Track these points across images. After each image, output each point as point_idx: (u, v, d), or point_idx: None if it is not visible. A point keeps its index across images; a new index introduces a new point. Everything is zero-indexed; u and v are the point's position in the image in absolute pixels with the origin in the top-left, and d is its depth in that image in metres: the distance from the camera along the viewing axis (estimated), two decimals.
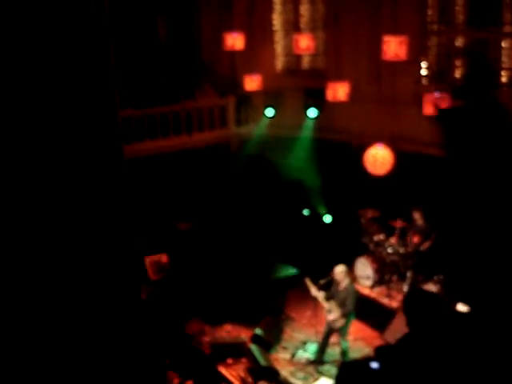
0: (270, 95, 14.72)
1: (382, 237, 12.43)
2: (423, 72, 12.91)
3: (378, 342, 10.77)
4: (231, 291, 12.29)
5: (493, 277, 10.53)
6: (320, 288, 10.28)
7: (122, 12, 14.92)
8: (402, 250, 11.98)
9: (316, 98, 13.82)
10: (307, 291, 10.43)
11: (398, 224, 12.20)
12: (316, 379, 9.96)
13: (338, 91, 11.54)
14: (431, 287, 11.44)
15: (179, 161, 14.34)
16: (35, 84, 2.88)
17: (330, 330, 10.24)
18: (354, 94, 12.18)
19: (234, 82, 15.50)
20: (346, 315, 10.01)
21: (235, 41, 12.26)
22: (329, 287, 10.30)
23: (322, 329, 10.52)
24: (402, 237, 12.19)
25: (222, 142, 15.45)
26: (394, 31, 11.44)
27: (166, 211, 14.29)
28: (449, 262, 11.42)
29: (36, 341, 3.04)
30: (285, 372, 10.11)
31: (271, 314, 11.38)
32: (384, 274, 12.27)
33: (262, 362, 9.80)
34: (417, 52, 12.37)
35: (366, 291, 12.24)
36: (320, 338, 10.38)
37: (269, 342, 10.70)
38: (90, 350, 3.20)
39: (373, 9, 13.11)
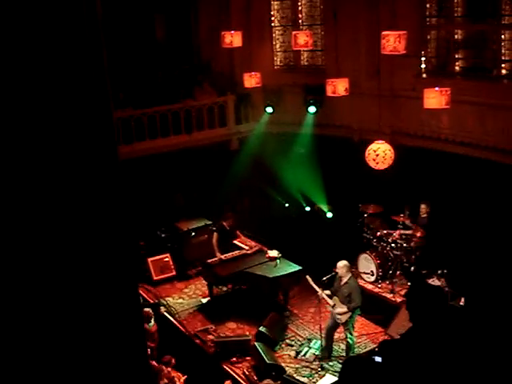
0: (269, 92, 14.70)
1: (384, 232, 12.41)
2: (423, 66, 12.87)
3: (382, 337, 10.76)
4: (235, 289, 12.31)
5: (496, 271, 10.51)
6: (323, 284, 10.27)
7: (119, 12, 14.90)
8: (405, 245, 11.96)
9: (316, 94, 13.80)
10: (310, 288, 10.42)
11: (401, 219, 12.19)
12: (321, 376, 9.94)
13: (338, 87, 11.49)
14: (435, 281, 11.43)
15: (179, 160, 14.32)
16: (27, 85, 2.85)
17: (335, 325, 10.22)
18: (353, 89, 12.15)
19: (232, 79, 15.48)
20: (352, 310, 10.01)
21: (233, 38, 12.23)
22: (332, 283, 10.29)
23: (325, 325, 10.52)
24: (405, 232, 12.17)
25: (222, 141, 15.43)
26: (393, 26, 11.41)
27: (166, 211, 14.29)
28: (452, 256, 11.41)
29: (29, 341, 3.03)
30: (290, 369, 10.09)
31: (275, 312, 11.35)
32: (387, 270, 12.26)
33: (267, 359, 9.78)
34: (416, 46, 12.33)
35: (369, 287, 12.23)
36: (324, 334, 10.36)
37: (273, 340, 10.68)
38: (85, 350, 3.18)
39: (371, 3, 13.08)
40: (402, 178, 12.22)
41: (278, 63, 16.00)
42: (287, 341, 11.08)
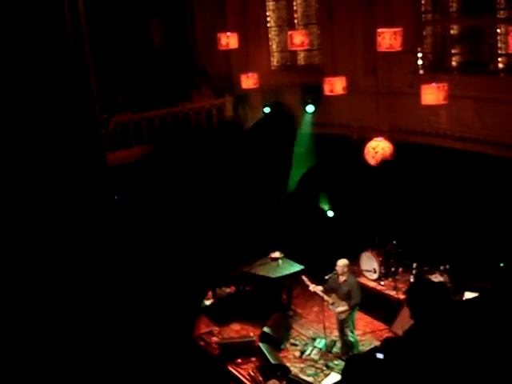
0: (267, 93, 14.70)
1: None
2: (419, 62, 12.87)
3: (386, 334, 10.77)
4: (238, 290, 12.32)
5: (497, 264, 10.52)
6: (323, 283, 10.29)
7: (115, 16, 14.93)
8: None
9: (313, 93, 13.80)
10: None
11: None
12: (326, 375, 9.95)
13: (335, 85, 11.49)
14: (437, 277, 11.44)
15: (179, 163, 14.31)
16: (13, 94, 2.87)
17: (342, 322, 10.24)
18: (351, 87, 12.14)
19: (230, 81, 15.48)
20: (352, 307, 10.04)
21: (229, 40, 12.21)
22: (328, 281, 10.31)
23: (332, 324, 10.54)
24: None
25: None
26: (388, 23, 11.40)
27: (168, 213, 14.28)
28: (455, 251, 11.42)
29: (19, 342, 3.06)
30: (295, 369, 10.11)
31: (279, 312, 11.36)
32: (390, 267, 12.26)
33: (272, 359, 9.79)
34: (412, 42, 12.33)
35: (372, 285, 12.23)
36: (338, 332, 10.40)
37: (278, 340, 10.69)
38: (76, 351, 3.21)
39: (366, 1, 13.07)
40: (402, 174, 12.22)
41: (275, 63, 16.00)
42: (291, 340, 11.10)
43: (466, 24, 12.34)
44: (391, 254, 12.25)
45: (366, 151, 11.40)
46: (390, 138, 11.92)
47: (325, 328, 10.67)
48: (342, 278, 10.09)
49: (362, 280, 12.10)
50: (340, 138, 14.26)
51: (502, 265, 10.55)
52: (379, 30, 9.96)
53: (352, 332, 10.22)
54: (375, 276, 12.30)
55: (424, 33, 12.84)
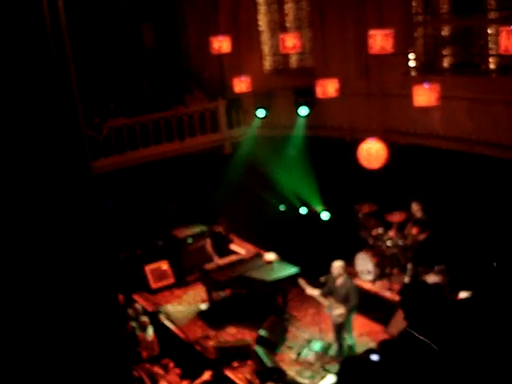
0: (259, 96, 14.72)
1: (380, 230, 12.43)
2: (411, 63, 12.91)
3: (382, 336, 10.76)
4: (233, 294, 12.31)
5: (492, 265, 10.56)
6: (320, 285, 10.28)
7: (107, 21, 14.94)
8: (401, 243, 11.98)
9: (306, 96, 13.83)
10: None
11: (396, 217, 12.21)
12: (323, 377, 9.95)
13: (328, 88, 11.52)
14: (432, 278, 11.46)
15: (173, 167, 14.33)
16: None
17: (338, 325, 10.23)
18: (343, 89, 12.17)
19: (223, 85, 15.50)
20: (350, 310, 10.03)
21: (222, 44, 12.23)
22: (325, 284, 10.30)
23: (328, 326, 10.54)
24: (401, 229, 12.20)
25: (215, 146, 15.45)
26: (380, 25, 11.44)
27: (162, 218, 14.30)
28: (449, 251, 11.45)
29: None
30: (291, 372, 10.10)
31: (274, 315, 11.36)
32: (385, 268, 12.28)
33: (268, 363, 9.78)
34: (403, 44, 12.37)
35: (367, 286, 12.24)
36: (333, 336, 10.38)
37: (274, 343, 10.69)
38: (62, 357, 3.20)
39: (357, 3, 13.12)
40: (396, 176, 12.25)
41: (268, 67, 16.03)
42: (287, 343, 11.09)
43: (457, 25, 12.39)
44: (385, 255, 12.27)
45: (359, 153, 11.41)
46: (382, 140, 11.93)
47: (321, 330, 10.67)
48: (338, 281, 10.08)
49: (357, 281, 12.09)
50: (333, 140, 14.30)
51: (495, 264, 10.59)
52: (371, 32, 9.99)
53: (350, 334, 10.22)
54: (370, 277, 12.31)
55: (415, 34, 12.89)
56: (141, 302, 12.28)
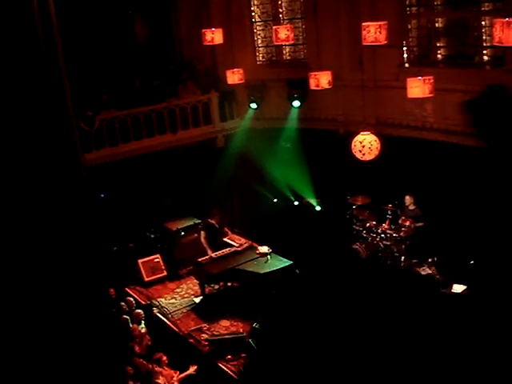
0: (252, 88, 14.66)
1: (373, 223, 12.43)
2: (405, 55, 12.88)
3: None
4: (227, 287, 12.28)
5: (485, 257, 10.58)
6: None
7: (99, 13, 14.83)
8: (394, 235, 11.98)
9: (299, 88, 13.79)
10: None
11: (389, 209, 12.22)
12: None
13: (321, 80, 11.47)
14: (426, 270, 11.48)
15: (165, 160, 14.26)
16: None
17: None
18: (336, 81, 12.14)
19: (215, 77, 15.42)
20: None
21: (214, 36, 12.16)
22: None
23: None
24: (394, 222, 12.20)
25: (208, 138, 15.38)
26: (373, 16, 11.39)
27: (154, 211, 14.23)
28: (442, 243, 11.46)
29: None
30: None
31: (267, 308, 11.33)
32: (378, 260, 12.28)
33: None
34: (397, 36, 12.34)
35: None
36: None
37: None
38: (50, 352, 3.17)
39: None
40: (389, 168, 12.24)
41: (261, 58, 15.97)
42: None
43: (451, 17, 12.36)
44: (379, 248, 12.27)
45: (352, 145, 11.38)
46: (376, 132, 11.91)
47: None
48: None
49: None
50: (326, 132, 14.27)
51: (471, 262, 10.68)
52: (364, 24, 9.95)
53: None
54: None
55: (409, 26, 12.87)
56: (134, 296, 12.23)
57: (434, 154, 12.12)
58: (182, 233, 13.53)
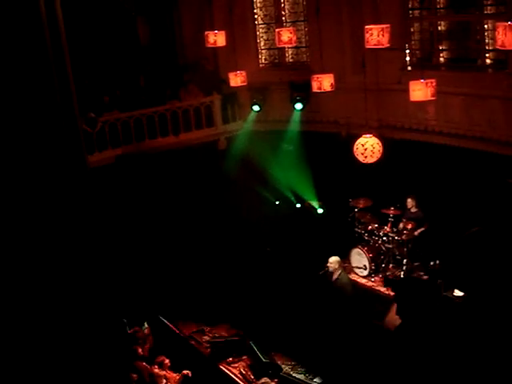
0: (255, 90, 14.67)
1: (375, 226, 12.43)
2: (407, 58, 12.89)
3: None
4: (228, 288, 12.27)
5: (487, 260, 10.55)
6: (318, 277, 10.26)
7: (102, 16, 14.86)
8: (396, 238, 11.97)
9: (301, 90, 13.79)
10: None
11: (391, 212, 12.21)
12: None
13: (323, 82, 11.46)
14: (427, 273, 11.46)
15: (167, 162, 14.26)
16: None
17: None
18: (339, 84, 12.12)
19: (218, 79, 15.43)
20: None
21: (217, 38, 12.15)
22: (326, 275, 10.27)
23: None
24: (396, 224, 12.19)
25: (210, 141, 15.39)
26: (376, 19, 11.40)
27: (157, 213, 14.22)
28: (444, 247, 11.44)
29: None
30: (286, 367, 10.06)
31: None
32: (380, 263, 12.27)
33: (263, 358, 9.75)
34: (400, 39, 12.36)
35: (362, 281, 12.23)
36: None
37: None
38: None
39: None
40: (391, 171, 12.24)
41: (263, 61, 15.98)
42: None
43: (454, 20, 12.36)
44: (381, 251, 12.26)
45: (354, 148, 11.37)
46: (378, 135, 11.91)
47: None
48: (334, 276, 10.07)
49: (353, 276, 12.09)
50: (329, 135, 14.27)
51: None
52: (367, 27, 9.94)
53: None
54: (365, 272, 12.30)
55: (412, 29, 12.88)
56: None
57: (436, 157, 12.11)
58: None
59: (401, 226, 12.10)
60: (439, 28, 12.46)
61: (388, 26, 9.90)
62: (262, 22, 15.68)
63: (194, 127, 15.13)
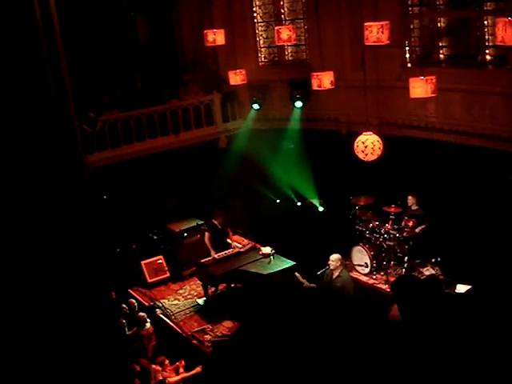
0: (255, 89, 14.65)
1: (376, 223, 12.41)
2: (407, 55, 12.86)
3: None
4: (230, 287, 12.27)
5: (489, 257, 10.54)
6: (316, 279, 10.24)
7: (101, 15, 14.83)
8: (397, 235, 11.96)
9: (301, 88, 13.77)
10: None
11: (392, 209, 12.20)
12: None
13: (323, 80, 11.43)
14: (429, 270, 11.46)
15: (168, 161, 14.25)
16: None
17: None
18: (339, 82, 12.11)
19: (218, 78, 15.41)
20: None
21: (216, 36, 12.14)
22: (322, 277, 10.25)
23: None
24: (397, 222, 12.18)
25: (210, 139, 15.38)
26: (375, 16, 11.38)
27: (157, 213, 14.23)
28: (446, 243, 11.43)
29: None
30: None
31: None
32: (381, 261, 12.26)
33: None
34: (399, 36, 12.33)
35: (364, 278, 12.23)
36: None
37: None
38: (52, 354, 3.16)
39: None
40: (392, 168, 12.21)
41: (263, 59, 15.95)
42: None
43: (453, 16, 12.33)
44: (382, 248, 12.25)
45: (355, 146, 11.36)
46: (379, 132, 11.89)
47: None
48: (335, 274, 10.05)
49: (354, 274, 12.09)
50: (329, 132, 14.25)
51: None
52: (366, 24, 9.92)
53: None
54: (367, 270, 12.29)
55: (411, 26, 12.84)
56: (137, 297, 12.23)
57: (437, 154, 12.09)
58: (185, 234, 13.52)
59: (402, 223, 12.08)
60: (439, 24, 12.42)
61: (387, 22, 9.88)
62: (261, 20, 15.65)
63: (194, 126, 15.11)
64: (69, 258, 3.16)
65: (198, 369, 9.24)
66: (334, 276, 10.05)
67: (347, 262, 12.13)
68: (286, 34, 11.80)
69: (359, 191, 12.83)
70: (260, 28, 15.70)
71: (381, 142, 11.11)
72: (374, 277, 12.19)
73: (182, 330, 11.25)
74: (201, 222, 13.67)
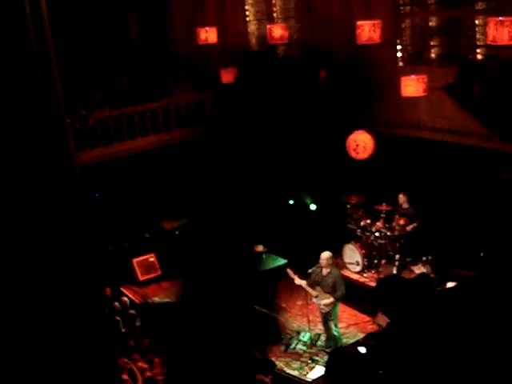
0: None
1: (368, 222, 12.44)
2: (399, 54, 12.90)
3: (370, 327, 10.80)
4: (221, 286, 12.26)
5: (480, 254, 10.60)
6: (308, 276, 10.26)
7: (93, 12, 14.80)
8: (389, 234, 12.00)
9: None
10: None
11: (384, 208, 12.23)
12: (311, 368, 9.96)
13: None
14: (420, 268, 11.49)
15: (160, 158, 14.23)
16: None
17: (325, 315, 10.22)
18: None
19: (210, 76, 15.40)
20: (338, 299, 10.04)
21: (208, 35, 12.16)
22: (311, 275, 10.27)
23: (316, 317, 10.55)
24: (388, 220, 12.22)
25: (202, 137, 15.36)
26: (367, 15, 11.40)
27: (149, 210, 14.20)
28: (437, 242, 11.47)
29: None
30: (280, 363, 10.10)
31: (263, 306, 11.33)
32: (373, 259, 12.30)
33: (257, 354, 9.77)
34: (391, 34, 12.35)
35: (355, 277, 12.27)
36: (323, 326, 10.39)
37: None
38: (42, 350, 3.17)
39: None
40: (383, 167, 12.25)
41: None
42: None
43: (445, 16, 12.38)
44: (373, 247, 12.29)
45: (347, 144, 11.41)
46: (370, 131, 11.93)
47: (309, 321, 10.66)
48: (325, 271, 10.08)
49: (345, 272, 12.12)
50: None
51: (481, 254, 10.63)
52: (358, 23, 9.97)
53: (335, 325, 10.23)
54: (358, 268, 12.33)
55: (403, 25, 12.87)
56: (128, 295, 12.23)
57: (429, 153, 12.13)
58: (177, 232, 13.53)
59: (393, 222, 12.12)
60: (430, 24, 12.47)
61: (379, 21, 9.93)
62: (253, 18, 15.65)
63: (186, 124, 15.11)
64: (60, 255, 3.16)
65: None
66: (325, 273, 10.09)
67: (338, 260, 12.17)
68: (278, 32, 11.84)
69: (351, 189, 12.85)
70: (252, 26, 15.70)
71: (372, 140, 11.17)
72: (365, 275, 12.24)
73: None
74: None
